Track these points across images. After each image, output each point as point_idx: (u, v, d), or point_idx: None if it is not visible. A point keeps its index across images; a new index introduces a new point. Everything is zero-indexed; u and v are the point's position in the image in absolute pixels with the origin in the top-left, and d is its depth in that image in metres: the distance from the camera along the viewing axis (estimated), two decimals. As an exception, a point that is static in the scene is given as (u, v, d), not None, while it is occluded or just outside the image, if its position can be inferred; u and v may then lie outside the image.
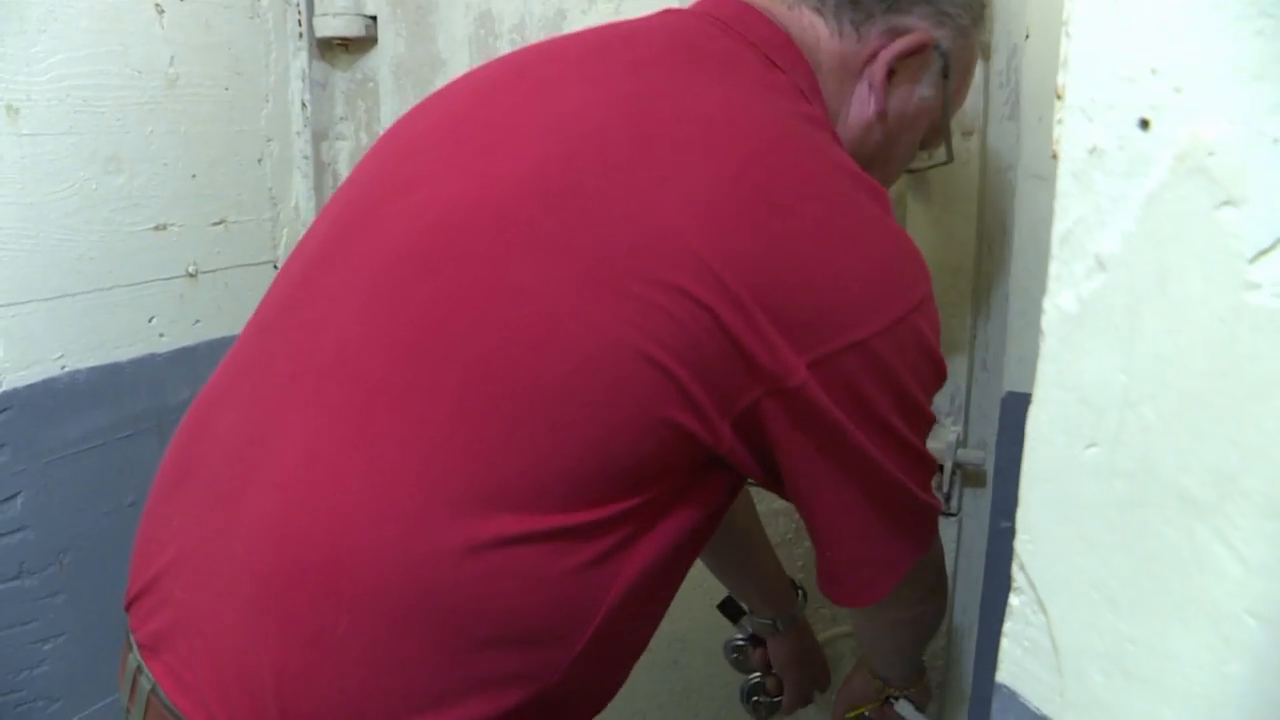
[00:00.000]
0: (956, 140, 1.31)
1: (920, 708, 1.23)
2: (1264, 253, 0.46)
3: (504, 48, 1.56)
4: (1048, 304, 0.57)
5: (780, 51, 0.92)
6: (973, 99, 1.30)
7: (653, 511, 0.82)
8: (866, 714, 1.27)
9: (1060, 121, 0.57)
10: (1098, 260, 0.54)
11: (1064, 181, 0.56)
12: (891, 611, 1.09)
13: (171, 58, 1.56)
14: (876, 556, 0.91)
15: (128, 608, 0.89)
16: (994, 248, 1.34)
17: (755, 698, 1.40)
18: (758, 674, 1.40)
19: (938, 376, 0.89)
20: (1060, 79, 0.57)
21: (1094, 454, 0.55)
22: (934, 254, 1.36)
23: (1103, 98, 0.54)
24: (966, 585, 1.46)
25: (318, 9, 1.76)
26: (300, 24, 1.76)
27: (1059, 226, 0.57)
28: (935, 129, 1.05)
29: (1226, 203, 0.48)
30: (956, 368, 1.40)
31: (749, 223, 0.78)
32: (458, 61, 1.63)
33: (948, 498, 1.45)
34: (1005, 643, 0.62)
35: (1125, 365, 0.53)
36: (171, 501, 0.88)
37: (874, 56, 0.96)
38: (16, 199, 1.37)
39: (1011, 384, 1.32)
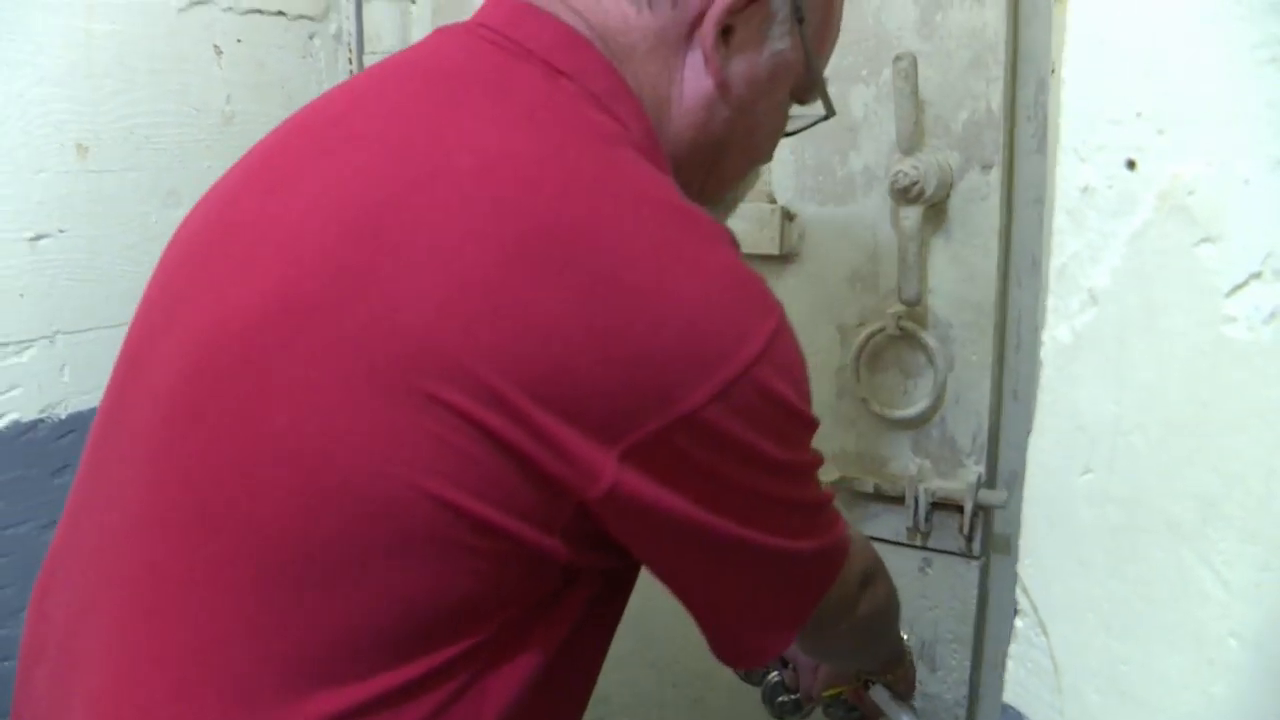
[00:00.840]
0: (947, 157, 1.29)
1: (901, 695, 1.19)
2: (1239, 288, 0.49)
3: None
4: (1045, 336, 0.60)
5: (565, 53, 0.76)
6: (992, 134, 1.29)
7: (508, 636, 0.70)
8: (843, 696, 1.22)
9: (1056, 161, 0.59)
10: (1090, 294, 0.57)
11: (1059, 219, 0.58)
12: (823, 642, 0.99)
13: (228, 96, 1.63)
14: (766, 620, 0.80)
15: None
16: (1023, 279, 1.35)
17: (779, 698, 1.33)
18: (775, 673, 1.30)
19: (803, 426, 0.75)
20: (1056, 121, 0.59)
21: (1088, 480, 0.58)
22: (956, 289, 1.35)
23: (1093, 139, 0.56)
24: (996, 626, 1.46)
25: (367, 48, 1.83)
26: (350, 62, 1.83)
27: (1055, 262, 0.59)
28: (804, 84, 0.88)
29: (1205, 240, 0.50)
30: (978, 406, 1.37)
31: (512, 301, 0.63)
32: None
33: (969, 539, 1.39)
34: (1010, 664, 0.64)
35: (1116, 395, 0.56)
36: (38, 625, 0.79)
37: (700, 19, 0.78)
38: (83, 232, 1.43)
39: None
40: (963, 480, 1.37)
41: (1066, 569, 0.60)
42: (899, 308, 1.37)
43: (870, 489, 1.44)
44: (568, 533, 0.68)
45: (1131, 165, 0.54)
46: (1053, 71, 1.25)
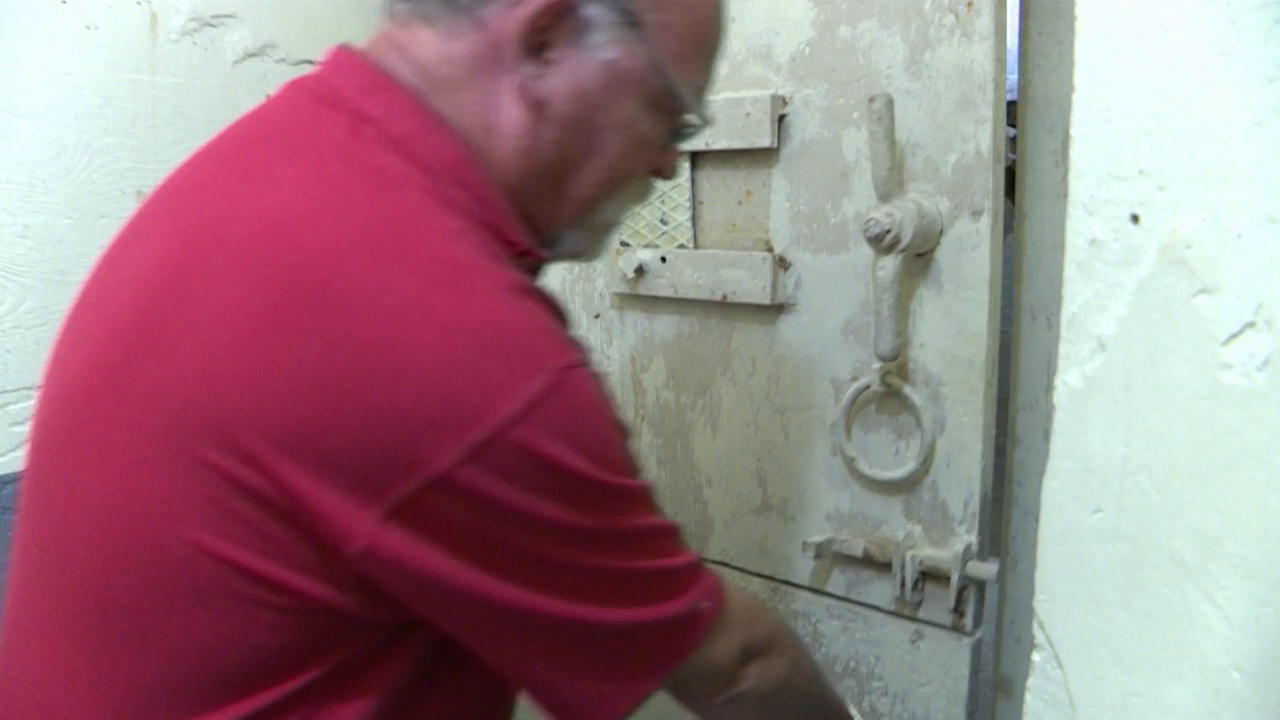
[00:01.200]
0: (936, 202, 1.21)
1: None
2: (1234, 337, 0.52)
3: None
4: (1058, 381, 0.63)
5: (372, 98, 0.75)
6: (981, 178, 1.19)
7: (336, 684, 0.70)
8: None
9: (1067, 216, 0.62)
10: (1099, 341, 0.60)
11: (1069, 270, 0.62)
12: (707, 715, 0.90)
13: (282, 144, 1.70)
14: (592, 694, 0.75)
15: None
16: (1053, 321, 1.38)
17: None
18: None
19: (605, 491, 0.70)
20: (1068, 178, 0.62)
21: (1099, 519, 0.60)
22: (947, 344, 1.24)
23: (1100, 194, 0.59)
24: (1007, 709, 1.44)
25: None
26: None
27: (1066, 310, 0.62)
28: (662, 93, 0.81)
29: (1202, 291, 0.53)
30: (969, 470, 1.26)
31: (262, 363, 0.64)
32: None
33: (959, 613, 1.27)
34: (1029, 697, 0.67)
35: (1124, 438, 0.58)
36: None
37: (507, 39, 0.76)
38: (140, 275, 1.50)
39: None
40: (949, 549, 1.27)
41: (1080, 604, 0.62)
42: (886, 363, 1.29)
43: (860, 553, 1.34)
44: (363, 588, 0.66)
45: (1135, 219, 0.57)
46: (1079, 121, 1.28)
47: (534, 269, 0.83)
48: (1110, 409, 0.59)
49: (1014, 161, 1.43)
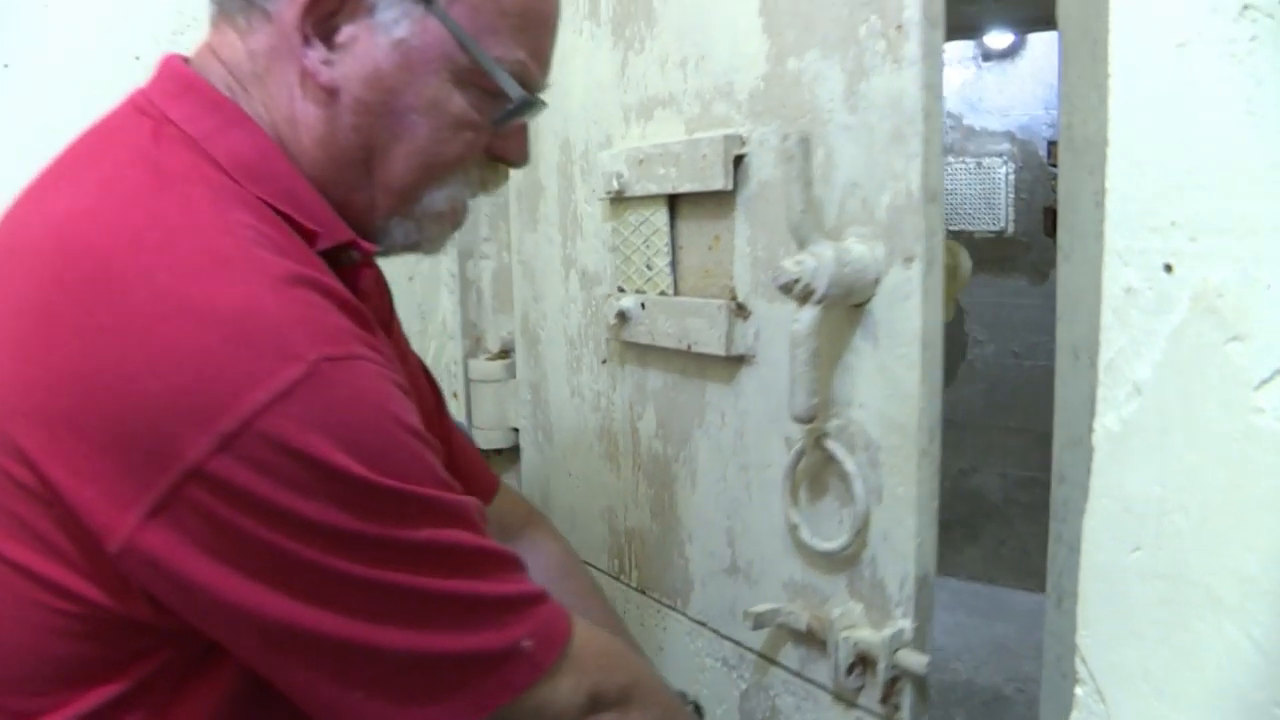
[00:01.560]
0: (872, 247, 1.08)
1: None
2: (1265, 382, 0.54)
3: (576, 174, 1.66)
4: (1097, 424, 0.65)
5: (177, 100, 0.75)
6: (912, 220, 1.04)
7: (158, 691, 0.69)
8: None
9: (1103, 264, 0.65)
10: (1135, 386, 0.62)
11: (1106, 316, 0.64)
12: None
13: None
14: None
15: None
16: (1095, 360, 1.39)
17: None
18: None
19: (374, 492, 0.66)
20: (1104, 228, 0.65)
21: (1138, 557, 0.62)
22: (884, 406, 1.11)
23: (1135, 245, 0.62)
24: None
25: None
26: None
27: (1103, 355, 0.64)
28: (471, 71, 0.78)
29: (1234, 338, 0.55)
30: (904, 547, 1.11)
31: (30, 361, 0.64)
32: (552, 186, 1.75)
33: (892, 705, 1.13)
34: (1072, 731, 0.68)
35: (1160, 478, 0.61)
36: None
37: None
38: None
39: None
40: (882, 634, 1.12)
41: (1120, 639, 0.64)
42: (827, 424, 1.16)
43: (804, 627, 1.20)
44: (135, 592, 0.65)
45: (1168, 269, 0.59)
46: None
47: (358, 262, 0.81)
48: (1147, 451, 0.61)
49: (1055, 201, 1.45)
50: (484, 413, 1.91)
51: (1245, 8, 0.53)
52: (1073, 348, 1.49)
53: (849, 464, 1.14)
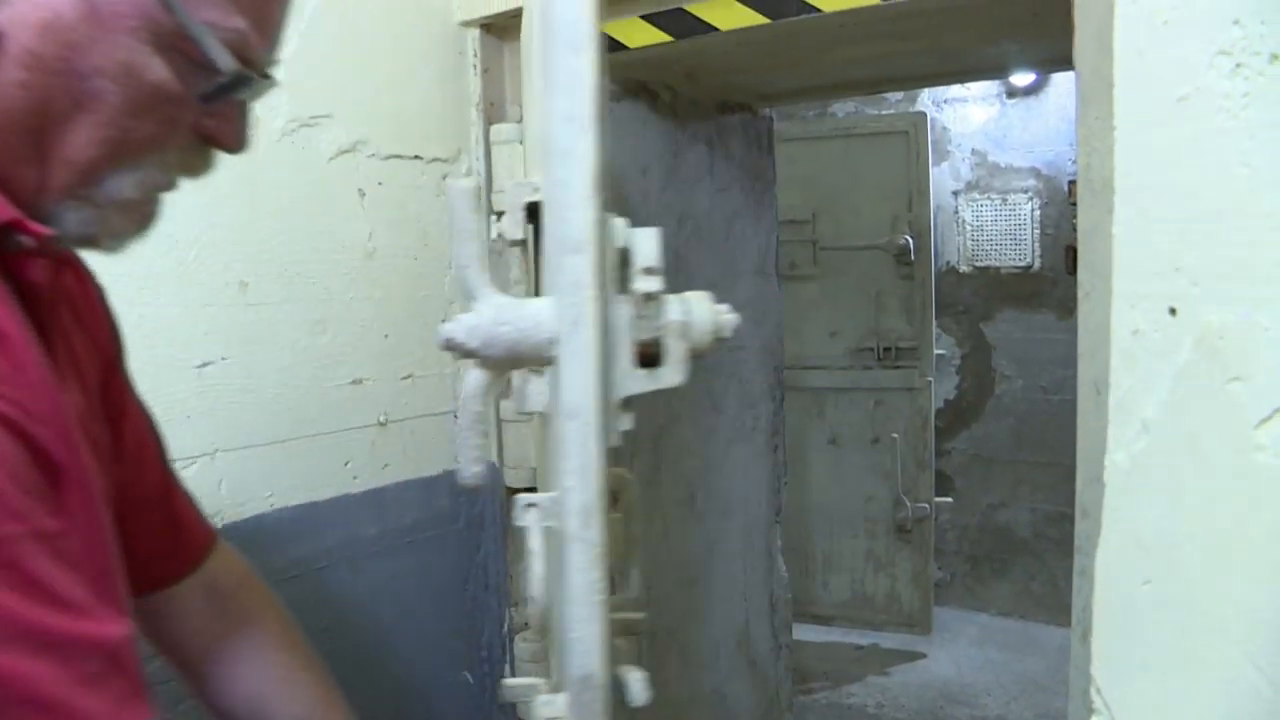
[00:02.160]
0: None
1: None
2: (1265, 421, 0.56)
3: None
4: (1108, 461, 0.68)
5: None
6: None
7: None
8: None
9: (1111, 307, 0.68)
10: (1143, 424, 0.64)
11: (1115, 358, 0.67)
12: None
13: (370, 233, 1.79)
14: None
15: None
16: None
17: None
18: None
19: None
20: (1112, 274, 0.68)
21: (1149, 590, 0.64)
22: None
23: (1141, 289, 0.64)
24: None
25: (495, 185, 1.99)
26: (479, 198, 1.99)
27: (1113, 395, 0.67)
28: (175, 35, 0.67)
29: (1235, 379, 0.58)
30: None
31: None
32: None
33: None
34: (1089, 760, 0.70)
35: (1169, 513, 0.63)
36: None
37: None
38: (241, 359, 1.59)
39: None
40: None
41: (1133, 669, 0.66)
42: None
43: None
44: None
45: (1173, 312, 0.62)
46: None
47: (29, 250, 0.68)
48: (1156, 487, 0.64)
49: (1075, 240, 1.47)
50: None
51: (1238, 65, 0.56)
52: (1094, 384, 1.51)
53: (533, 540, 0.99)
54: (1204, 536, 0.61)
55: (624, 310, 0.91)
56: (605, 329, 0.88)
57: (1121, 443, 0.66)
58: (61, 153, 0.67)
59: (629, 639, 1.03)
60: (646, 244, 0.92)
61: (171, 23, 0.66)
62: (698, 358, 0.93)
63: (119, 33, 0.65)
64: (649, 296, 0.92)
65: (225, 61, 0.69)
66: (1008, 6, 1.73)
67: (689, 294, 0.95)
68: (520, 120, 1.98)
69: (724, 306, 0.95)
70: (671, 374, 0.94)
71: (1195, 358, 0.61)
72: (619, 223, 0.92)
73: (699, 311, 0.94)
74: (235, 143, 0.76)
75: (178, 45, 0.67)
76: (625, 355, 0.91)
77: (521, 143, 1.95)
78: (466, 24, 1.92)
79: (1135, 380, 0.65)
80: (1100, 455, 1.45)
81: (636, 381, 0.91)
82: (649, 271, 0.92)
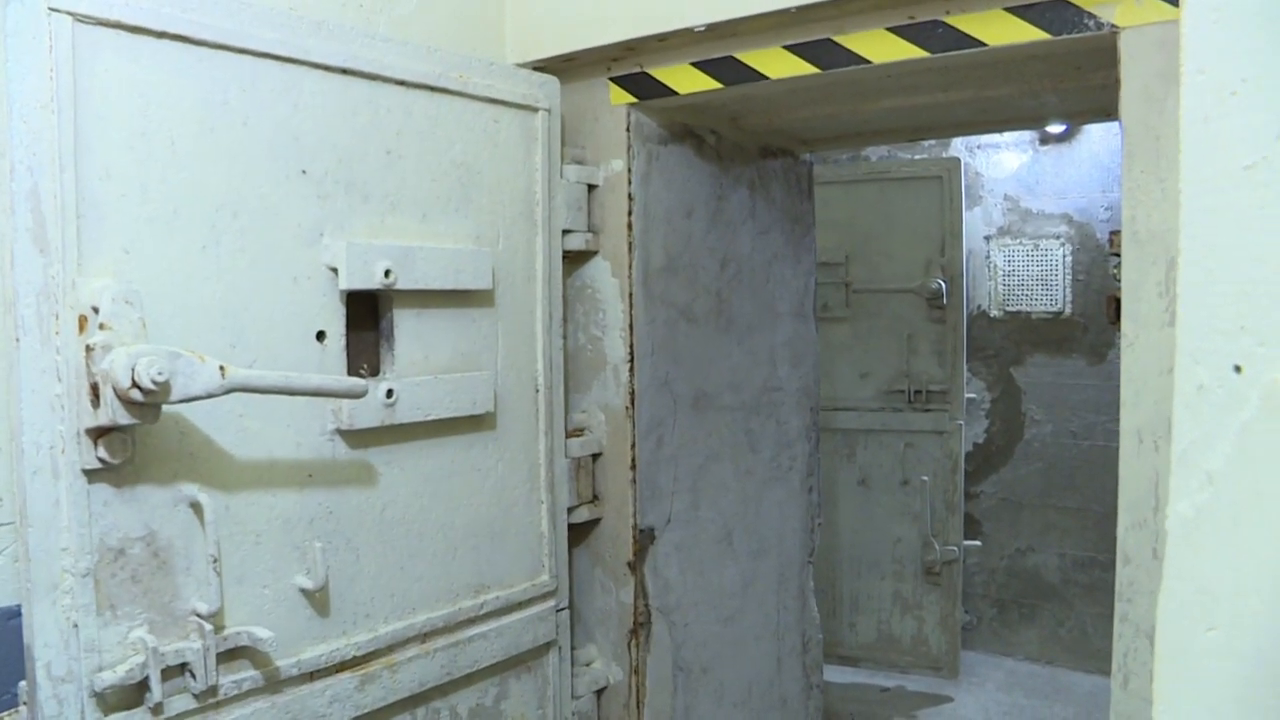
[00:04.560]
0: None
1: None
2: (1331, 476, 0.59)
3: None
4: (1170, 510, 0.70)
5: None
6: None
7: None
8: None
9: (1175, 364, 0.70)
10: (1208, 475, 0.67)
11: (1178, 411, 0.69)
12: None
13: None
14: None
15: None
16: (1159, 444, 1.43)
17: None
18: None
19: None
20: (1175, 329, 0.71)
21: (1213, 637, 0.67)
22: None
23: (1206, 346, 0.67)
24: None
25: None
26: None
27: (1176, 447, 0.70)
28: None
29: (1301, 435, 0.61)
30: None
31: None
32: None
33: None
34: (1150, 804, 0.72)
35: (1233, 562, 0.65)
36: None
37: None
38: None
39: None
40: None
41: (1197, 718, 0.68)
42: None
43: None
44: None
45: (1238, 369, 0.65)
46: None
47: None
48: (1219, 536, 0.66)
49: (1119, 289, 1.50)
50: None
51: (1307, 139, 0.60)
52: (1137, 432, 1.54)
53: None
54: (1270, 586, 0.63)
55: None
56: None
57: (1185, 493, 0.69)
58: None
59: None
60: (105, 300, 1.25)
61: None
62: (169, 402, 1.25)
63: None
64: (89, 348, 1.24)
65: None
66: (1051, 62, 1.77)
67: (132, 348, 1.24)
68: None
69: (149, 359, 1.22)
70: (104, 412, 1.24)
71: (1262, 413, 0.63)
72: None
73: (117, 361, 1.22)
74: None
75: None
76: (82, 393, 1.24)
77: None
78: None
79: (1200, 433, 0.68)
80: (1143, 502, 1.47)
81: (89, 416, 1.24)
82: (101, 326, 1.25)
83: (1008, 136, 4.10)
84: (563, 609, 1.96)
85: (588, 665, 2.09)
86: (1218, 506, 0.66)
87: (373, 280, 1.55)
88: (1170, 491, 0.70)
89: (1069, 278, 4.04)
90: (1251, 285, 0.64)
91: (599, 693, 2.10)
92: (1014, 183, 4.13)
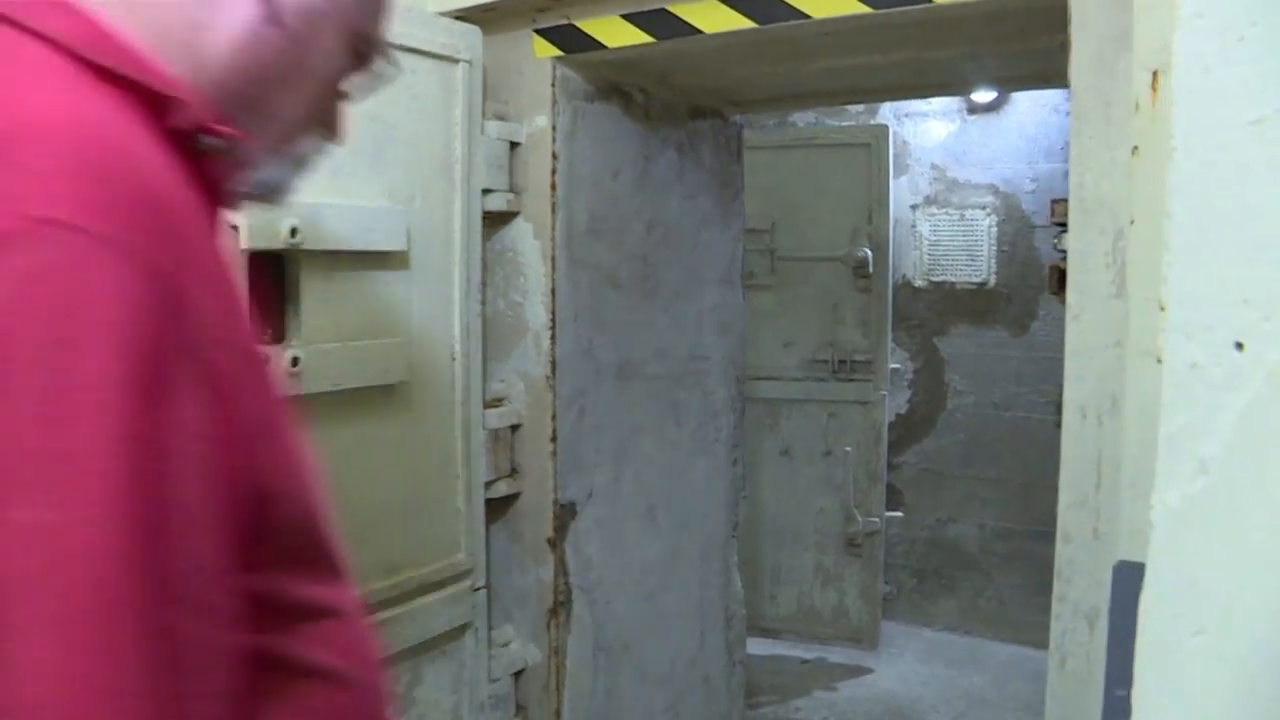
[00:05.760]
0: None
1: None
2: (1348, 467, 0.53)
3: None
4: (1156, 500, 0.63)
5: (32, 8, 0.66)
6: None
7: None
8: None
9: (1163, 337, 0.64)
10: (1201, 463, 0.60)
11: (1168, 392, 0.62)
12: None
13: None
14: None
15: None
16: (1104, 419, 1.39)
17: None
18: None
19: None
20: (1162, 296, 0.64)
21: (1200, 640, 0.60)
22: None
23: (1201, 320, 0.61)
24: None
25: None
26: None
27: (1164, 431, 0.63)
28: (361, 34, 0.82)
29: (1314, 420, 0.54)
30: None
31: None
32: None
33: None
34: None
35: (1229, 559, 0.59)
36: None
37: None
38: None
39: (1124, 553, 1.33)
40: None
41: (1181, 724, 0.62)
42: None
43: None
44: None
45: (1240, 346, 0.58)
46: (1131, 222, 1.30)
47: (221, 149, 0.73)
48: (1212, 529, 0.60)
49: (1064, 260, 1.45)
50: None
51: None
52: (1080, 406, 1.49)
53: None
54: (1272, 583, 0.57)
55: None
56: None
57: (1173, 482, 0.62)
58: (282, 108, 0.78)
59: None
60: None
61: (360, 26, 0.81)
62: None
63: (337, 27, 0.79)
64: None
65: (386, 68, 0.86)
66: (997, 22, 1.71)
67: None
68: None
69: None
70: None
71: (1267, 393, 0.57)
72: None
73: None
74: (340, 135, 0.87)
75: (353, 44, 0.81)
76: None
77: None
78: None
79: (1192, 417, 0.61)
80: (1085, 479, 1.42)
81: None
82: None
83: (936, 105, 4.07)
84: (479, 589, 1.88)
85: (505, 646, 2.01)
86: (1212, 497, 0.60)
87: (277, 240, 1.43)
88: (1156, 480, 0.63)
89: (994, 249, 4.04)
90: (1257, 253, 0.57)
91: (517, 675, 2.02)
92: (941, 152, 4.10)
